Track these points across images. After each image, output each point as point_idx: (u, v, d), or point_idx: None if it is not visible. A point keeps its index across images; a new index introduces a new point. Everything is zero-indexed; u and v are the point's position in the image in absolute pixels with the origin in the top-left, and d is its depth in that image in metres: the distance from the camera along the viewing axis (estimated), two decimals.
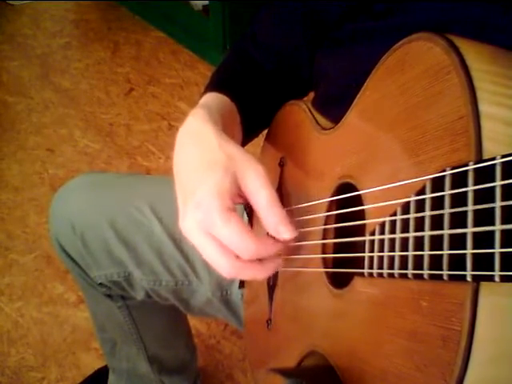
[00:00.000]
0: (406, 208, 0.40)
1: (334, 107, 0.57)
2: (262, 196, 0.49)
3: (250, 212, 0.72)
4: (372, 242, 0.45)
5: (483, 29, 0.46)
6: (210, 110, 0.57)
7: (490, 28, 0.47)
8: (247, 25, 0.75)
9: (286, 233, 0.49)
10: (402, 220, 0.40)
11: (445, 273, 0.35)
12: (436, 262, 0.36)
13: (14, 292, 1.41)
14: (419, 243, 0.38)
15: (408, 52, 0.43)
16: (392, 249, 0.41)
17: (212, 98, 0.63)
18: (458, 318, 0.35)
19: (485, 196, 0.32)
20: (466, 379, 0.34)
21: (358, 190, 0.49)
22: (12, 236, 1.55)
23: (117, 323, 0.93)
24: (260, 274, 0.51)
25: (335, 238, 0.55)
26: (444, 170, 0.36)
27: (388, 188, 0.43)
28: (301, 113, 0.65)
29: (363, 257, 0.46)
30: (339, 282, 0.52)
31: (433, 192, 0.37)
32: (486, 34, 0.42)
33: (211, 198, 0.48)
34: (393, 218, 0.41)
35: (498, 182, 0.31)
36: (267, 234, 0.51)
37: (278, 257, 0.52)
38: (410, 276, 0.39)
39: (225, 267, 0.49)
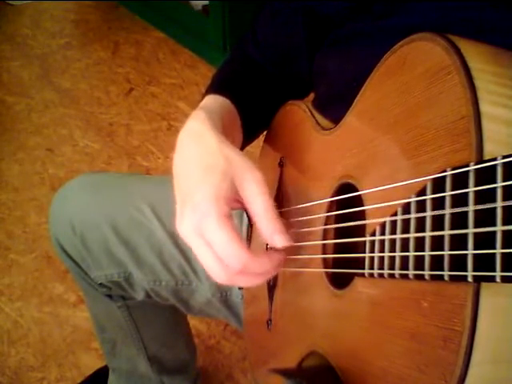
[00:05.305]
0: (406, 208, 0.40)
1: (334, 107, 0.57)
2: (259, 203, 0.49)
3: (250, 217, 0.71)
4: (372, 242, 0.44)
5: (482, 30, 0.46)
6: (210, 113, 0.57)
7: (488, 29, 0.47)
8: (247, 25, 0.74)
9: (280, 242, 0.49)
10: (403, 220, 0.40)
11: (446, 273, 0.35)
12: (437, 263, 0.36)
13: (14, 292, 1.41)
14: (420, 244, 0.38)
15: (409, 52, 0.42)
16: (393, 249, 0.41)
17: (212, 101, 0.63)
18: (458, 319, 0.35)
19: (486, 197, 0.32)
20: (466, 380, 0.34)
21: (358, 191, 0.49)
22: (12, 236, 1.55)
23: (117, 323, 0.93)
24: (253, 281, 0.50)
25: (335, 238, 0.55)
26: (445, 171, 0.36)
27: (388, 188, 0.43)
28: (301, 113, 0.65)
29: (364, 257, 0.46)
30: (339, 282, 0.52)
31: (433, 193, 0.37)
32: (485, 34, 0.42)
33: (208, 202, 0.48)
34: (393, 218, 0.41)
35: (500, 183, 0.31)
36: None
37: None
38: (410, 276, 0.39)
39: (217, 273, 0.49)
